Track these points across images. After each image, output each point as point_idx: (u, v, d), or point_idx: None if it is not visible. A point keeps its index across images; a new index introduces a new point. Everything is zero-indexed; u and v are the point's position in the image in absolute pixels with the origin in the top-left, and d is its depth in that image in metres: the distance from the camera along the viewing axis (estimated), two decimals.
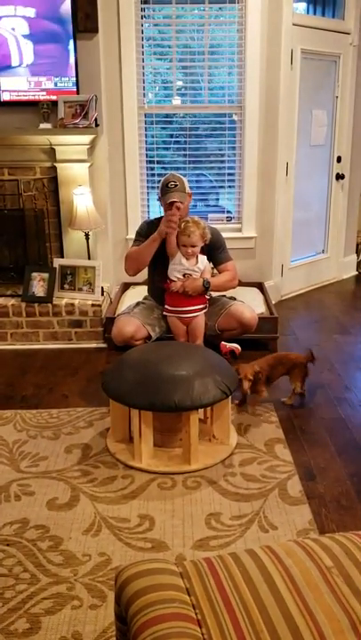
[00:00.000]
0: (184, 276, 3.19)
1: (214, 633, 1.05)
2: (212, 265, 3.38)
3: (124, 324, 3.29)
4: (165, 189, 3.21)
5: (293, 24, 4.06)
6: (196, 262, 3.21)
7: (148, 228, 3.33)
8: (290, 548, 1.28)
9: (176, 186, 3.19)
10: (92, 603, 1.77)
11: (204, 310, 3.29)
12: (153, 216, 4.34)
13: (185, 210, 3.24)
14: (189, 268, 3.20)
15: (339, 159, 4.79)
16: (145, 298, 3.58)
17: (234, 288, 3.48)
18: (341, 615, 1.09)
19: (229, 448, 2.56)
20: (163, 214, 3.30)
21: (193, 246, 3.15)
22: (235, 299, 3.53)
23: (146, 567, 1.16)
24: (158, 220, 3.31)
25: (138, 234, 3.41)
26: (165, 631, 1.00)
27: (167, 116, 4.26)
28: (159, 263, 3.30)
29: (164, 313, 3.31)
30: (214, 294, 3.52)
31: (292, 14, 4.04)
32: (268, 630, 1.06)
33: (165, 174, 3.36)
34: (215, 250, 3.34)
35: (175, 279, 3.21)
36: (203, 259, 3.25)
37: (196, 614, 1.06)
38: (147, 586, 1.10)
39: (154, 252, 3.28)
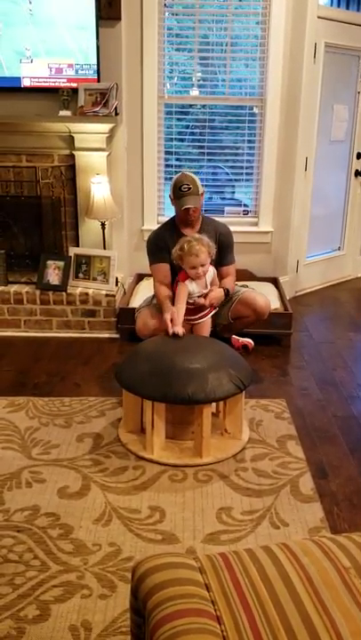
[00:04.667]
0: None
1: (230, 629, 1.04)
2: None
3: (148, 316, 3.21)
4: (179, 193, 3.06)
5: (318, 17, 4.00)
6: (205, 281, 2.99)
7: (160, 240, 3.18)
8: (306, 546, 1.26)
9: (189, 189, 3.03)
10: (102, 592, 1.77)
11: (212, 313, 3.13)
12: (168, 208, 4.29)
13: (198, 211, 3.12)
14: (202, 290, 2.99)
15: (358, 155, 4.73)
16: None
17: None
18: (360, 616, 1.08)
19: (241, 443, 2.55)
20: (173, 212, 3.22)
21: (202, 265, 2.91)
22: (246, 286, 3.49)
23: (164, 561, 1.15)
24: (165, 227, 3.21)
25: (152, 248, 3.22)
26: (185, 626, 1.00)
27: (183, 107, 4.21)
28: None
29: None
30: None
31: (318, 6, 3.98)
32: (285, 629, 1.05)
33: (177, 166, 3.23)
34: (224, 249, 3.20)
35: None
36: (208, 270, 3.01)
37: (215, 610, 1.05)
38: (166, 580, 1.09)
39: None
